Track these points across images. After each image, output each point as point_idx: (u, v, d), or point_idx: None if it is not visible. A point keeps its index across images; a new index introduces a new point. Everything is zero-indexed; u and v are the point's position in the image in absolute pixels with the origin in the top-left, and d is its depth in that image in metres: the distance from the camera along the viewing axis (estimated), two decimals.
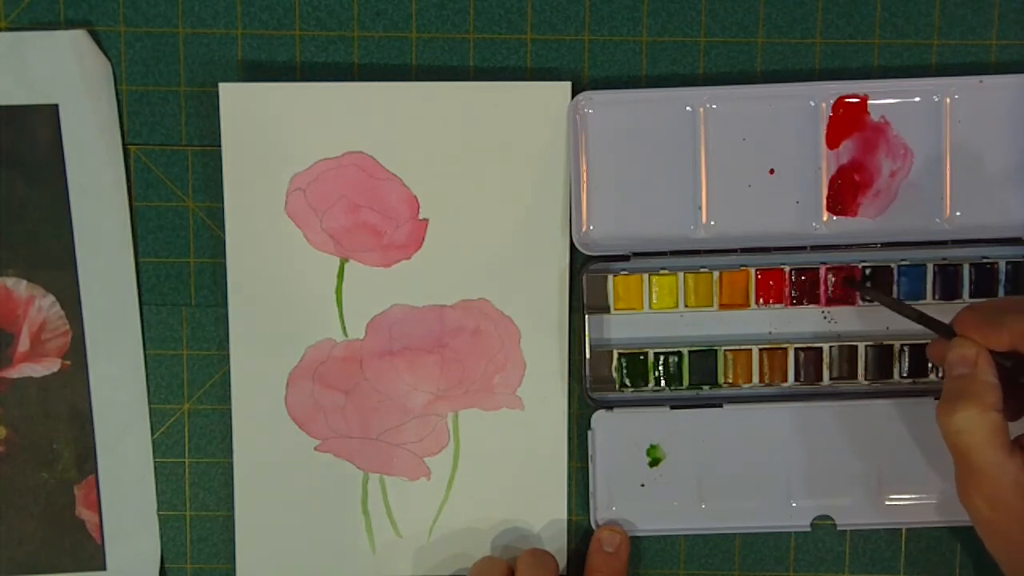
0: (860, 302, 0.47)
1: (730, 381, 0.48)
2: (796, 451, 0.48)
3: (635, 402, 0.48)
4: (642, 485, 0.48)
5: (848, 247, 0.47)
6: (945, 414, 0.40)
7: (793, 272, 0.47)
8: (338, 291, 0.47)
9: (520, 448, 0.48)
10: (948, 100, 0.46)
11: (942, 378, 0.47)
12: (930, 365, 0.47)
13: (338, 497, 0.48)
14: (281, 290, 0.47)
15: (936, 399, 0.47)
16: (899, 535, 0.49)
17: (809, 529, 0.48)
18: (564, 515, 0.48)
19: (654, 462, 0.48)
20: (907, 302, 0.46)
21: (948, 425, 0.40)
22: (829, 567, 0.49)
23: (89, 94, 0.46)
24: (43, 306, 0.47)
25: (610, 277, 0.47)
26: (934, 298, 0.47)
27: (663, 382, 0.47)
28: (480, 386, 0.48)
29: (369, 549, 0.48)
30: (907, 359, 0.47)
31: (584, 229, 0.47)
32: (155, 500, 0.48)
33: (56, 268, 0.47)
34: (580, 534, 0.49)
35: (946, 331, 0.42)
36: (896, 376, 0.48)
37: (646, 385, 0.47)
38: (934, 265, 0.47)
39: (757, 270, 0.47)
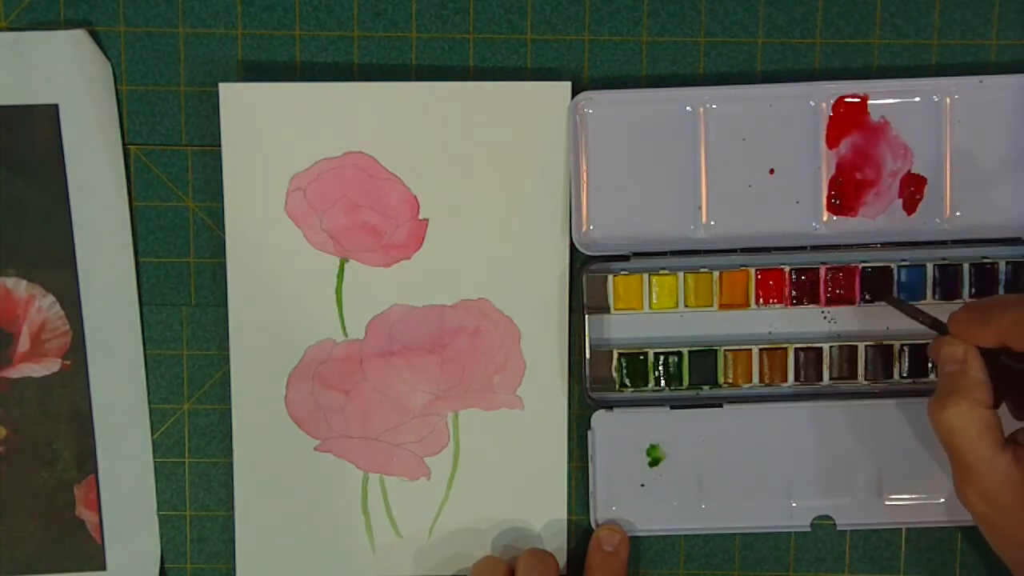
0: (860, 302, 0.47)
1: (730, 381, 0.47)
2: (796, 451, 0.48)
3: (635, 402, 0.48)
4: (642, 485, 0.48)
5: (848, 247, 0.47)
6: (936, 410, 0.41)
7: (793, 272, 0.47)
8: (338, 291, 0.47)
9: (520, 448, 0.48)
10: (948, 100, 0.46)
11: None
12: (930, 365, 0.47)
13: (338, 497, 0.48)
14: (281, 290, 0.47)
15: None
16: (899, 535, 0.49)
17: (809, 529, 0.48)
18: (564, 515, 0.48)
19: (654, 462, 0.48)
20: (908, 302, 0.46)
21: (939, 422, 0.41)
22: (829, 567, 0.49)
23: (89, 94, 0.46)
24: (43, 306, 0.47)
25: (610, 277, 0.47)
26: (934, 298, 0.47)
27: (663, 382, 0.47)
28: (480, 386, 0.48)
29: (369, 549, 0.48)
30: (907, 359, 0.47)
31: (584, 229, 0.47)
32: (155, 500, 0.48)
33: (56, 268, 0.47)
34: (580, 534, 0.49)
35: (941, 328, 0.42)
36: (896, 376, 0.47)
37: (646, 385, 0.47)
38: (934, 265, 0.47)
39: (757, 270, 0.47)
